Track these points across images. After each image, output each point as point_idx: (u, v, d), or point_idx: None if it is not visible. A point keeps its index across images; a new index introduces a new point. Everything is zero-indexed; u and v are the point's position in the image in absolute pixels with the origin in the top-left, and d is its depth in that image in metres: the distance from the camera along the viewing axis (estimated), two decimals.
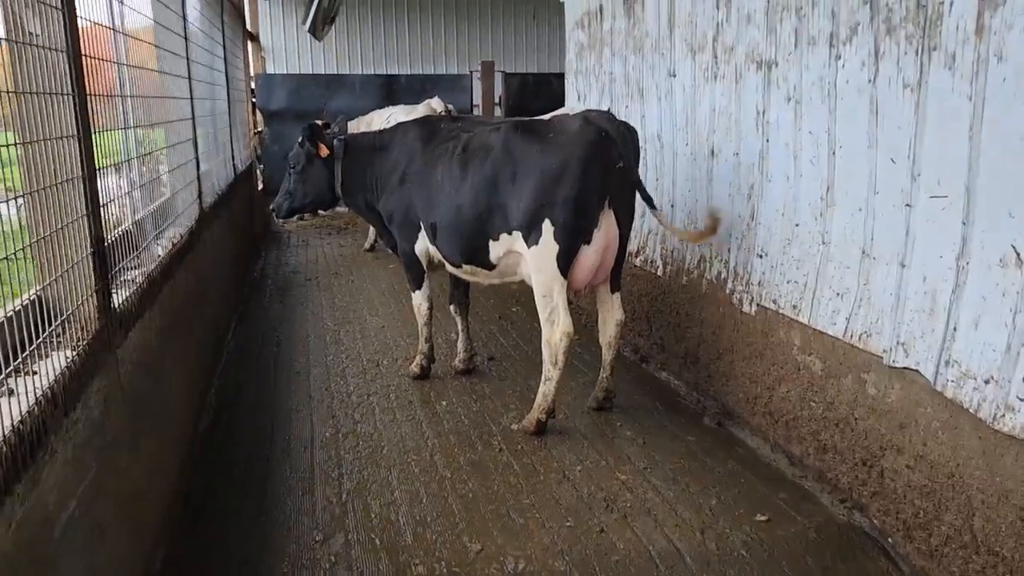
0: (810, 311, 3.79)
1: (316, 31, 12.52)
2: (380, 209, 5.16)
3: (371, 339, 6.35)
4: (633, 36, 5.58)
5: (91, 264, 2.59)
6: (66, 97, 2.47)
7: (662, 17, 5.14)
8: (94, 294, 2.59)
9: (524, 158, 4.18)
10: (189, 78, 5.18)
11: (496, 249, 4.45)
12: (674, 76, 5.04)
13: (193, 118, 5.22)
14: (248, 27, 13.06)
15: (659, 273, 5.41)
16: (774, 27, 3.96)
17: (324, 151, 5.17)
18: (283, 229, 12.04)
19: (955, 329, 2.92)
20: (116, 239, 3.24)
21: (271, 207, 5.68)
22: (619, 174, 4.14)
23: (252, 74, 11.43)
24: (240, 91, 9.86)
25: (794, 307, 3.92)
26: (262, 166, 11.10)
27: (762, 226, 4.19)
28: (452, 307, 5.53)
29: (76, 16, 2.53)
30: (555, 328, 4.28)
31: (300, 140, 5.26)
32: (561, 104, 10.69)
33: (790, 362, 3.96)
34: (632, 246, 5.80)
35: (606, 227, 4.20)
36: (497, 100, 11.01)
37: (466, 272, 4.83)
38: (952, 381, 2.92)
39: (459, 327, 5.53)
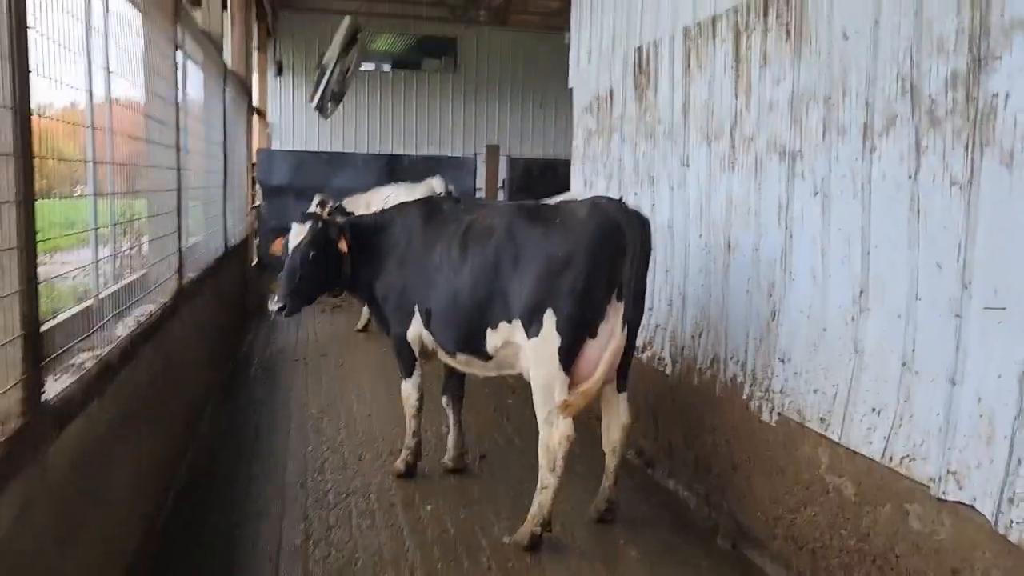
0: (841, 427, 3.39)
1: (323, 109, 12.52)
2: (375, 290, 4.85)
3: (355, 428, 5.91)
4: (644, 122, 5.36)
5: (19, 350, 2.22)
6: (6, 158, 2.16)
7: (676, 104, 4.92)
8: (19, 385, 2.22)
9: (528, 243, 3.93)
10: (177, 148, 4.93)
11: (494, 339, 4.14)
12: (687, 165, 4.79)
13: (179, 189, 4.94)
14: (256, 103, 13.07)
15: (668, 371, 5.03)
16: (799, 116, 3.70)
17: (346, 247, 4.73)
18: None
19: (1019, 462, 2.53)
20: (64, 319, 2.90)
21: (274, 308, 4.81)
22: (629, 265, 3.83)
23: (256, 149, 11.33)
24: (240, 164, 9.68)
25: (822, 420, 3.52)
26: (257, 240, 10.86)
27: (784, 328, 3.83)
28: (444, 399, 5.15)
29: (27, 68, 2.24)
30: (554, 431, 3.90)
31: (312, 235, 4.72)
32: (566, 190, 10.56)
33: (817, 482, 3.54)
34: (639, 340, 5.43)
35: (614, 321, 3.87)
36: (501, 184, 10.87)
37: (460, 362, 4.51)
38: (1017, 523, 2.51)
39: (451, 421, 5.13)
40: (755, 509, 4.00)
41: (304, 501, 4.56)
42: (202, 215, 6.72)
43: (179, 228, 4.96)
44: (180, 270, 4.98)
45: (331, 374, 7.61)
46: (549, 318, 3.81)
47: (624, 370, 4.15)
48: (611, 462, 4.27)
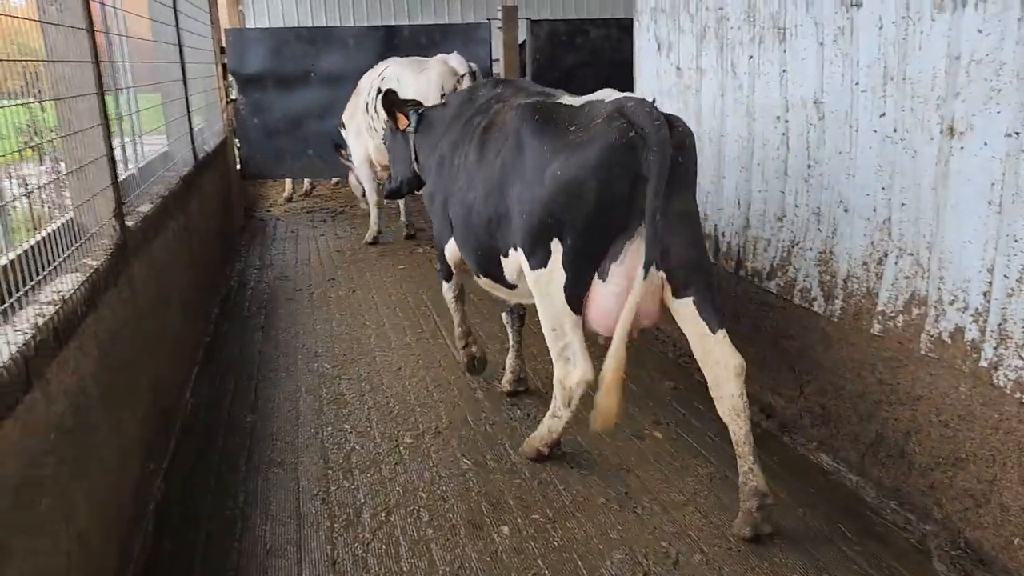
0: None
1: None
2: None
3: (384, 393, 4.56)
4: None
5: None
6: None
7: None
8: None
9: (534, 155, 3.16)
10: (91, 29, 3.30)
11: (509, 267, 3.50)
12: (857, 4, 3.17)
13: (100, 92, 3.35)
14: None
15: (818, 309, 3.60)
16: None
17: (403, 121, 4.51)
18: (268, 216, 10.17)
19: None
20: None
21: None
22: (654, 192, 2.86)
23: (224, 31, 9.46)
24: (205, 51, 7.93)
25: None
26: (238, 142, 9.20)
27: None
28: (505, 315, 4.43)
29: None
30: (572, 369, 3.29)
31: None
32: (602, 58, 8.81)
33: None
34: (764, 263, 3.99)
35: (631, 262, 3.02)
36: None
37: (486, 285, 3.93)
38: None
39: (511, 341, 4.42)
40: (1009, 532, 2.67)
41: (329, 528, 3.25)
42: (155, 123, 5.14)
43: (108, 149, 3.41)
44: (119, 211, 3.47)
45: (343, 307, 6.20)
46: (556, 248, 3.12)
47: (709, 304, 3.09)
48: (738, 427, 3.04)
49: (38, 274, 2.53)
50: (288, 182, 10.92)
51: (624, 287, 3.03)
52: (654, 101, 3.03)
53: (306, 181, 11.25)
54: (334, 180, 11.60)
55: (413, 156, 4.52)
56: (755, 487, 3.02)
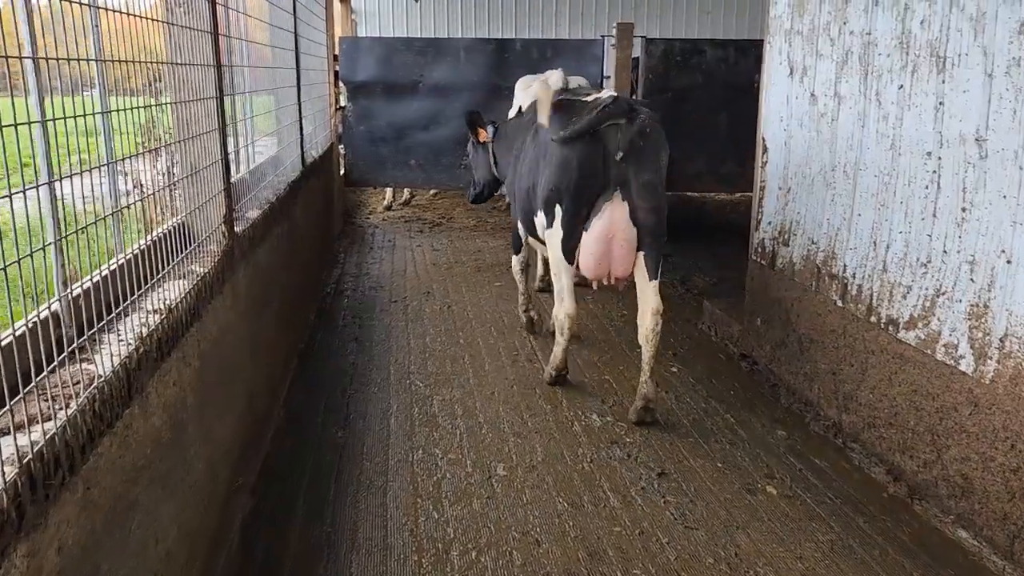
0: None
1: None
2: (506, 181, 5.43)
3: (477, 418, 4.39)
4: None
5: None
6: None
7: None
8: None
9: (549, 140, 4.20)
10: (215, 33, 3.27)
11: (539, 223, 4.51)
12: None
13: (219, 97, 3.32)
14: None
15: (966, 368, 3.23)
16: None
17: (483, 135, 5.61)
18: (367, 223, 10.24)
19: None
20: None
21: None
22: (626, 165, 3.96)
23: (339, 38, 9.59)
24: (319, 58, 8.01)
25: None
26: (343, 148, 9.28)
27: None
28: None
29: None
30: (561, 307, 4.42)
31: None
32: (716, 80, 8.48)
33: None
34: (903, 310, 3.63)
35: (611, 215, 4.06)
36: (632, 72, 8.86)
37: (533, 244, 5.15)
38: None
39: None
40: None
41: (416, 562, 3.09)
42: (267, 127, 5.15)
43: (223, 153, 3.37)
44: (229, 217, 3.43)
45: (437, 323, 6.08)
46: (559, 212, 4.16)
47: (652, 259, 4.17)
48: (646, 352, 4.20)
49: (148, 280, 2.46)
50: (388, 191, 10.99)
51: (602, 234, 4.07)
52: (632, 95, 4.19)
53: (406, 190, 11.29)
54: (432, 191, 11.62)
55: (492, 162, 5.57)
56: (644, 392, 4.21)
